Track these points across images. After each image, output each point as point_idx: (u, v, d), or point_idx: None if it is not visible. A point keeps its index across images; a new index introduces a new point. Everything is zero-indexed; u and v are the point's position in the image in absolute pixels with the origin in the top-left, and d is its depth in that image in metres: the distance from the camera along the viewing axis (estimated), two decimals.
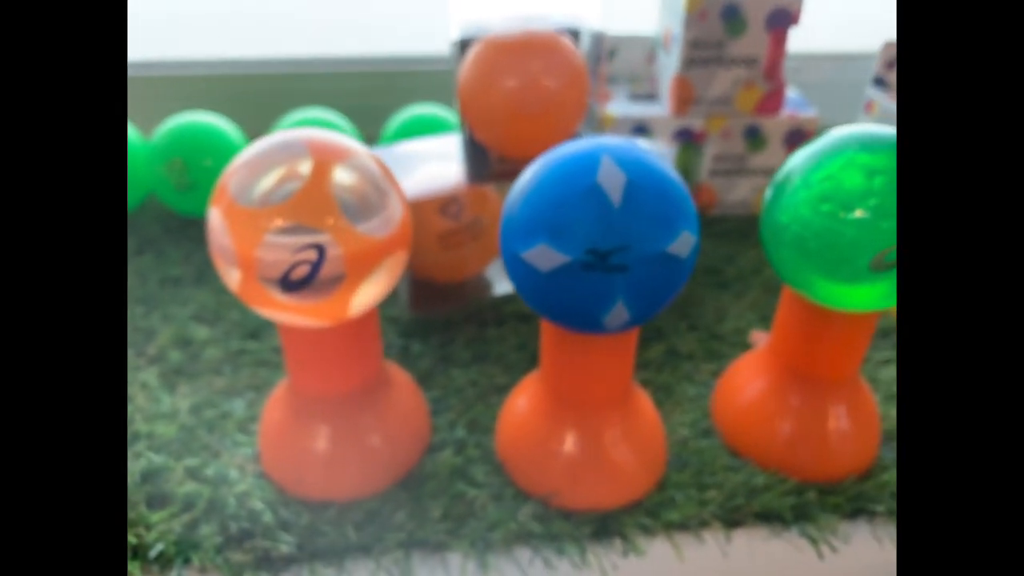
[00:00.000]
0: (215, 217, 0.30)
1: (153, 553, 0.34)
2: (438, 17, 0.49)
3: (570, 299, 0.30)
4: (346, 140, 0.32)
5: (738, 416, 0.41)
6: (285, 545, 0.35)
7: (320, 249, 0.29)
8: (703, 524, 0.37)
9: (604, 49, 0.68)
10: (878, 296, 0.33)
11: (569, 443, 0.37)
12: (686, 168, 0.64)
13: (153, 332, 0.49)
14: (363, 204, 0.31)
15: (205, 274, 0.55)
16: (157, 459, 0.39)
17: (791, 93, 0.65)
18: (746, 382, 0.41)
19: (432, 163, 0.50)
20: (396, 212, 0.32)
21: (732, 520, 0.37)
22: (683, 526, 0.37)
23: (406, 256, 0.33)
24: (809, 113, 0.61)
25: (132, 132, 0.61)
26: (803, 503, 0.37)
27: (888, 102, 0.58)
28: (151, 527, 0.35)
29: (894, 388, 0.45)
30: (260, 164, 0.30)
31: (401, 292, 0.51)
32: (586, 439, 0.37)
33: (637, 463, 0.37)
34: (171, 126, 0.60)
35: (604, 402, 0.37)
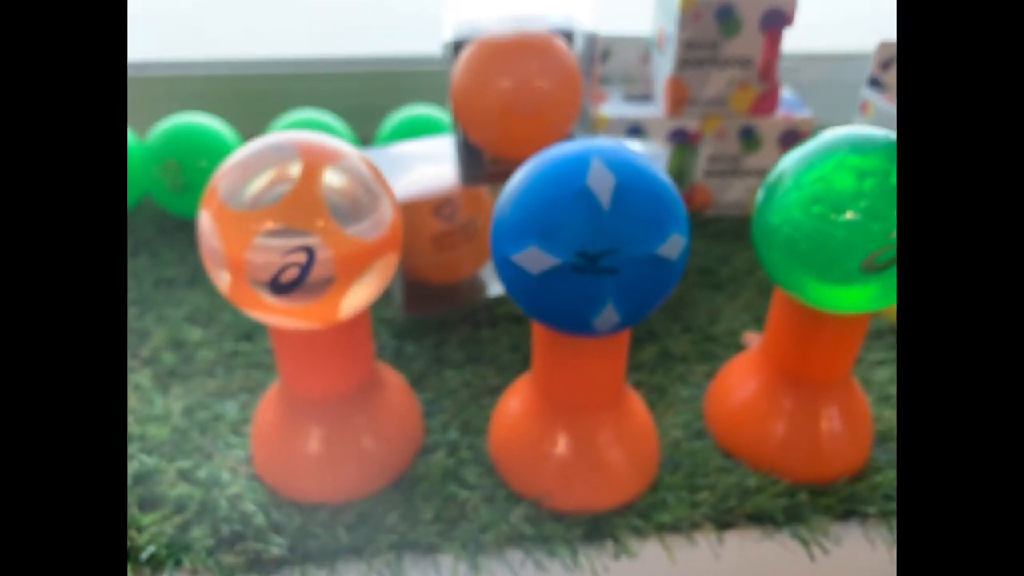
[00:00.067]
0: (205, 220, 0.30)
1: (145, 555, 0.34)
2: (433, 17, 0.49)
3: (560, 301, 0.30)
4: (336, 142, 0.32)
5: (730, 417, 0.41)
6: (277, 547, 0.35)
7: (310, 252, 0.29)
8: (695, 526, 0.37)
9: (598, 50, 0.68)
10: (869, 298, 0.33)
11: (561, 445, 0.37)
12: (681, 169, 0.64)
13: (147, 334, 0.49)
14: (353, 206, 0.31)
15: (199, 276, 0.55)
16: (149, 461, 0.39)
17: (786, 94, 0.65)
18: (738, 384, 0.41)
19: (426, 164, 0.50)
20: (387, 214, 0.32)
21: (724, 522, 0.37)
22: (675, 528, 0.37)
23: (397, 258, 0.33)
24: (804, 114, 0.61)
25: (127, 133, 0.61)
26: (795, 504, 0.37)
27: (883, 103, 0.58)
28: (143, 529, 0.35)
29: (887, 389, 0.45)
30: (250, 167, 0.30)
31: (395, 293, 0.51)
32: (578, 441, 0.37)
33: (629, 465, 0.37)
34: (166, 127, 0.60)
35: (596, 404, 0.37)
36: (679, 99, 0.60)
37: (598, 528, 0.36)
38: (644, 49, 0.68)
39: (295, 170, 0.30)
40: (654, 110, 0.62)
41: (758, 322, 0.51)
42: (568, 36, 0.45)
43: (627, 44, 0.68)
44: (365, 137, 0.70)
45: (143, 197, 0.64)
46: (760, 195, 0.35)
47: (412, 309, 0.51)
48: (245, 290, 0.30)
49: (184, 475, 0.38)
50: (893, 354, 0.48)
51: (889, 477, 0.39)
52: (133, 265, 0.57)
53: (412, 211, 0.47)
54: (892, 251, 0.31)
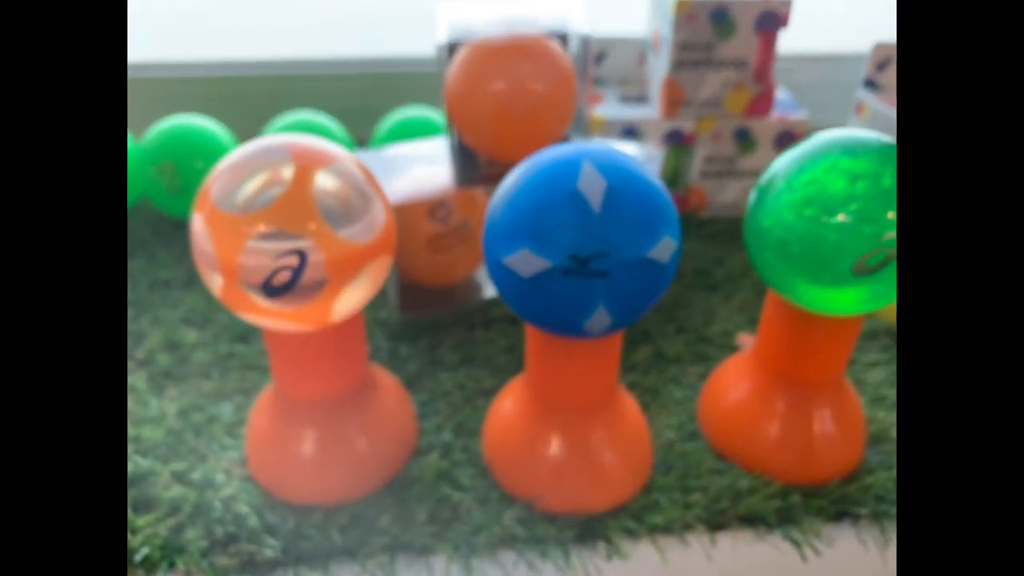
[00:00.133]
0: (198, 223, 0.30)
1: (138, 557, 0.34)
2: (429, 18, 0.49)
3: (551, 304, 0.30)
4: (328, 145, 0.32)
5: (723, 419, 0.41)
6: (270, 549, 0.35)
7: (301, 255, 0.29)
8: (687, 527, 0.37)
9: (592, 52, 0.68)
10: (860, 300, 0.33)
11: (554, 446, 0.37)
12: (676, 170, 0.64)
13: (142, 335, 0.49)
14: (345, 209, 0.31)
15: (195, 277, 0.56)
16: (144, 463, 0.39)
17: (781, 95, 0.65)
18: (731, 385, 0.41)
19: (421, 166, 0.50)
20: (379, 217, 0.32)
21: (716, 523, 0.37)
22: (667, 529, 0.37)
23: (390, 261, 0.34)
24: (799, 115, 0.61)
25: None
26: (787, 506, 0.37)
27: (878, 103, 0.58)
28: (137, 531, 0.35)
29: (880, 391, 0.45)
30: (242, 170, 0.30)
31: (389, 295, 0.51)
32: (571, 442, 0.37)
33: (622, 466, 0.37)
34: (162, 128, 0.60)
35: (589, 405, 0.37)
36: (674, 100, 0.60)
37: (591, 529, 0.36)
38: (640, 50, 0.68)
39: (287, 173, 0.30)
40: (649, 111, 0.62)
41: (753, 323, 0.51)
42: (562, 38, 0.45)
43: (623, 45, 0.68)
44: (361, 138, 0.70)
45: (140, 198, 0.64)
46: (752, 197, 0.35)
47: (406, 311, 0.51)
48: (237, 293, 0.30)
49: (178, 477, 0.38)
50: (886, 355, 0.48)
51: (881, 478, 0.39)
52: (129, 266, 0.57)
53: (406, 213, 0.47)
54: (883, 254, 0.31)
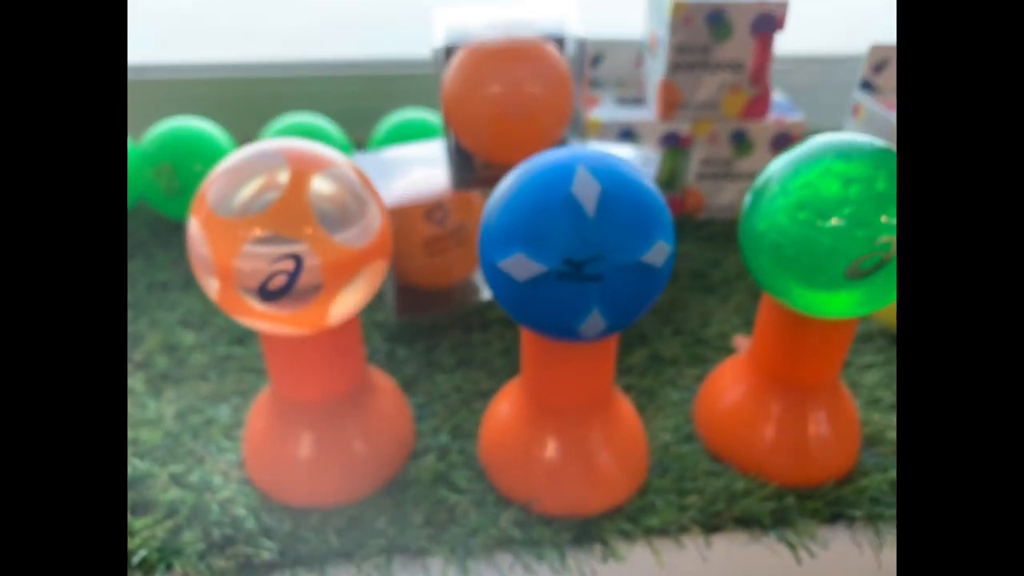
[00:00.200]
0: (194, 227, 0.31)
1: (136, 559, 0.35)
2: (427, 21, 0.49)
3: (546, 308, 0.30)
4: (324, 150, 0.32)
5: (719, 421, 0.41)
6: (267, 551, 0.35)
7: (297, 259, 0.30)
8: (683, 529, 0.37)
9: (588, 54, 0.68)
10: (854, 304, 0.33)
11: (550, 449, 0.37)
12: (673, 172, 0.64)
13: (140, 337, 0.49)
14: (341, 213, 0.31)
15: (192, 279, 0.56)
16: (141, 465, 0.39)
17: (777, 97, 0.65)
18: (727, 387, 0.41)
19: (418, 169, 0.51)
20: (375, 221, 0.32)
21: (712, 525, 0.37)
22: (663, 531, 0.37)
23: (386, 265, 0.34)
24: (795, 117, 0.61)
25: None
26: (782, 508, 0.38)
27: (875, 105, 0.58)
28: (134, 533, 0.36)
29: (876, 392, 0.45)
30: (238, 174, 0.30)
31: (387, 297, 0.52)
32: (567, 445, 0.37)
33: (618, 469, 0.37)
34: (160, 131, 0.60)
35: (585, 408, 0.37)
36: (671, 103, 0.60)
37: (587, 532, 0.36)
38: (637, 52, 0.69)
39: (283, 177, 0.30)
40: (646, 114, 0.62)
41: (749, 325, 0.51)
42: (559, 42, 0.45)
43: (619, 48, 0.69)
44: (359, 140, 0.71)
45: (138, 200, 0.64)
46: (747, 201, 0.35)
47: (404, 313, 0.51)
48: (234, 297, 0.31)
49: (176, 479, 0.39)
50: (882, 357, 0.48)
51: (876, 481, 0.39)
52: (127, 268, 0.57)
53: (403, 215, 0.47)
54: (877, 257, 0.32)
